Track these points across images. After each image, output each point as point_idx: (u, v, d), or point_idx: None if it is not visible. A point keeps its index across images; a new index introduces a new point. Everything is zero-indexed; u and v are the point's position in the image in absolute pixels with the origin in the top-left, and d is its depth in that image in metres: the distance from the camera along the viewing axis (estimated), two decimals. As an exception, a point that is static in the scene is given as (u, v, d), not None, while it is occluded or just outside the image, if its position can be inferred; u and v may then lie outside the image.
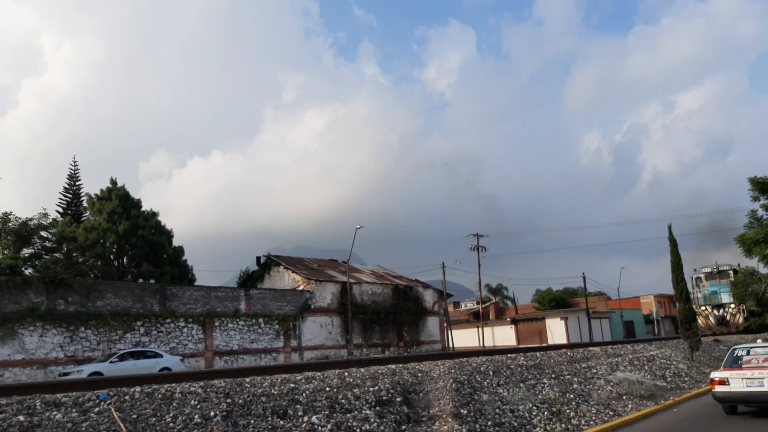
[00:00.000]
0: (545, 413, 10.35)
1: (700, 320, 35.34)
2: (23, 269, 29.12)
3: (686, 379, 16.36)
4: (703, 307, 38.39)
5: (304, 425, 7.39)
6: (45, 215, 33.39)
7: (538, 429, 9.56)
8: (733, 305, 37.26)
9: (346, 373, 9.79)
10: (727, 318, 37.64)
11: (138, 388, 7.47)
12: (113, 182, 35.71)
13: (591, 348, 18.02)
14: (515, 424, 9.47)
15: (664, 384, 15.14)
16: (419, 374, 10.59)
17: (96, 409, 6.61)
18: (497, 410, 9.81)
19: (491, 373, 11.90)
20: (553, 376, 12.93)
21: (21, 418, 6.01)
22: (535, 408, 10.49)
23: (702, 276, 41.03)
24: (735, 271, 38.33)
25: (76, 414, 6.42)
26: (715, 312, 38.31)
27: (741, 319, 36.51)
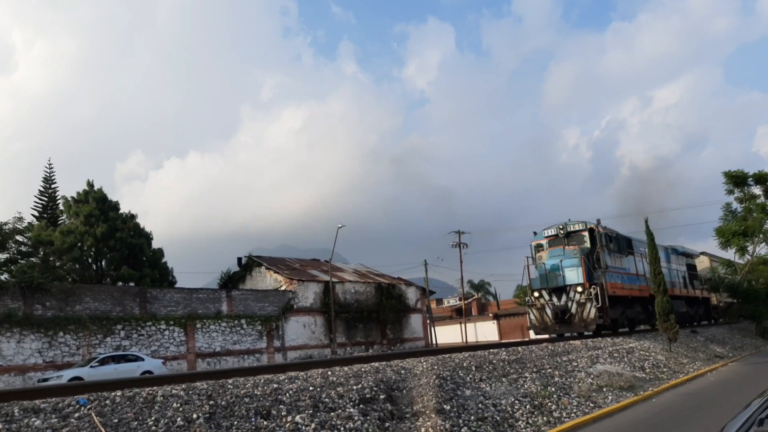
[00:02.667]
0: (527, 407, 10.49)
1: (532, 315, 21.56)
2: (-2, 275, 28.50)
3: (664, 370, 16.70)
4: (536, 294, 21.74)
5: (287, 425, 7.39)
6: (20, 219, 32.75)
7: (520, 422, 9.69)
8: (580, 288, 20.57)
9: (329, 372, 9.80)
10: (572, 310, 20.64)
11: (119, 392, 7.39)
12: (90, 184, 35.16)
13: (572, 341, 18.27)
14: (498, 418, 9.59)
15: (643, 375, 15.43)
16: (403, 371, 10.65)
17: (76, 415, 6.54)
18: (480, 405, 9.91)
19: (474, 368, 12.01)
20: (534, 370, 13.10)
21: (-1, 425, 5.93)
22: (517, 402, 10.63)
23: (544, 242, 23.46)
24: (591, 231, 22.44)
25: (55, 420, 6.34)
26: (555, 300, 21.26)
27: (593, 312, 20.11)
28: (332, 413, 8.01)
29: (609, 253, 22.49)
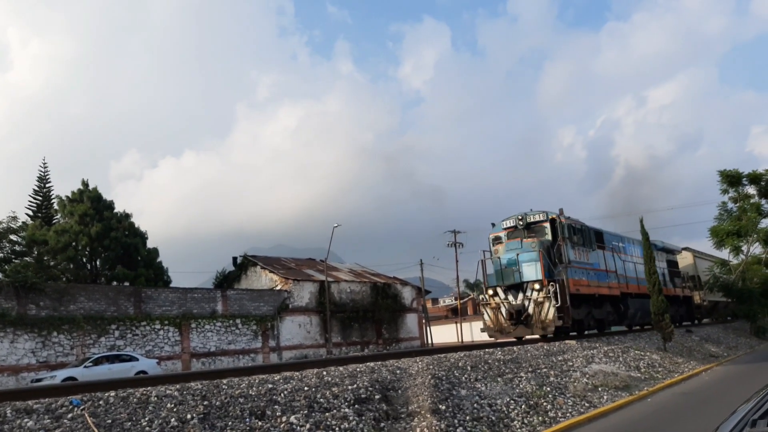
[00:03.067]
0: (523, 406, 10.49)
1: (486, 316, 19.27)
2: (-8, 274, 28.35)
3: (659, 369, 16.74)
4: (490, 292, 19.44)
5: (282, 425, 7.36)
6: (14, 218, 32.60)
7: (515, 422, 9.69)
8: (538, 285, 18.18)
9: (324, 372, 9.77)
10: (529, 310, 18.28)
11: (113, 393, 7.35)
12: (85, 184, 35.01)
13: (567, 341, 18.30)
14: (493, 418, 9.58)
15: (638, 375, 15.47)
16: (398, 371, 10.63)
17: (69, 415, 6.49)
18: (475, 405, 9.91)
19: (469, 368, 12.01)
20: (530, 369, 13.11)
21: (-10, 426, 5.88)
22: (512, 402, 10.63)
23: (502, 235, 20.98)
24: (552, 222, 20.08)
25: (48, 420, 6.30)
26: (511, 299, 18.86)
27: (551, 313, 17.78)
28: (327, 413, 7.99)
29: (573, 246, 20.06)
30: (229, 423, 7.12)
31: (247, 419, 7.31)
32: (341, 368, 10.26)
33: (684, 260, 35.40)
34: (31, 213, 38.65)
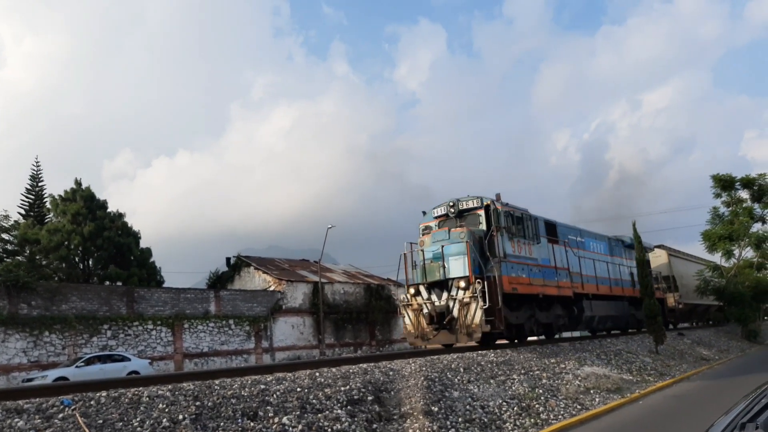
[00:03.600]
0: (515, 408, 10.53)
1: (407, 319, 16.37)
2: (-17, 273, 28.15)
3: (651, 372, 16.83)
4: (411, 291, 16.49)
5: (274, 426, 7.35)
6: (6, 217, 32.39)
7: (508, 424, 9.72)
8: (463, 282, 15.30)
9: (317, 373, 9.77)
10: (454, 312, 15.38)
11: (104, 393, 7.32)
12: (78, 183, 34.83)
13: (560, 343, 18.36)
14: (485, 419, 9.61)
15: (630, 377, 15.55)
16: (391, 373, 10.64)
17: (60, 415, 6.46)
18: (468, 407, 9.93)
19: (462, 370, 12.03)
20: (522, 371, 13.15)
21: (-20, 426, 5.84)
22: (505, 404, 10.66)
23: (433, 224, 18.08)
24: (487, 209, 17.11)
25: (39, 420, 6.27)
26: (435, 299, 15.98)
27: (478, 316, 14.88)
28: (320, 414, 7.99)
29: (511, 237, 16.92)
30: (222, 424, 7.11)
31: (240, 420, 7.30)
32: (334, 369, 10.25)
33: (657, 259, 32.61)
34: (23, 212, 38.42)
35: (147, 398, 7.30)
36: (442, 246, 16.03)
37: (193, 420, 6.97)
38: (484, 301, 14.65)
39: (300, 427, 7.46)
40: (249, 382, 8.60)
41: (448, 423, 8.96)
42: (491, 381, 11.81)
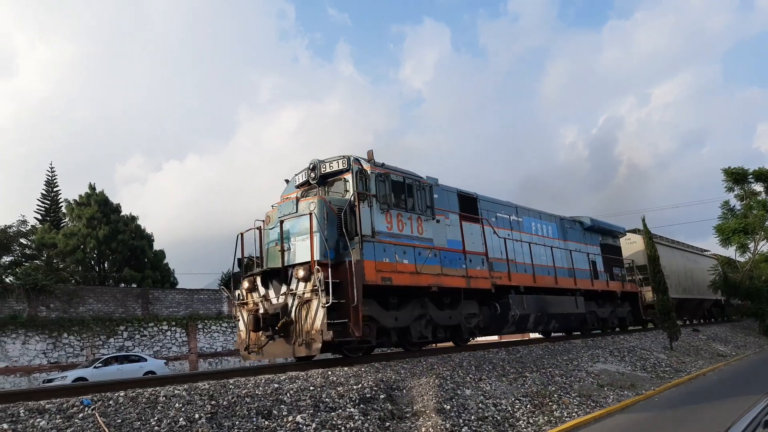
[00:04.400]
0: (528, 406, 10.55)
1: (240, 324, 12.45)
2: (4, 277, 28.72)
3: (666, 369, 16.74)
4: (246, 285, 12.39)
5: (288, 425, 7.47)
6: (24, 222, 33.00)
7: (521, 422, 9.75)
8: (302, 271, 11.01)
9: (329, 372, 9.88)
10: (292, 314, 11.06)
11: (122, 393, 7.48)
12: (92, 187, 35.34)
13: (573, 340, 18.32)
14: (498, 417, 9.65)
15: (645, 374, 15.48)
16: (402, 371, 10.72)
17: (80, 415, 6.62)
18: (480, 404, 9.98)
19: (474, 368, 12.08)
20: (534, 369, 13.16)
21: (5, 425, 6.02)
22: (518, 401, 10.69)
23: (294, 196, 13.06)
24: (358, 173, 12.39)
25: (60, 420, 6.43)
26: (272, 294, 11.78)
27: (319, 319, 10.66)
28: (333, 413, 8.09)
29: (385, 209, 12.56)
30: (237, 422, 7.23)
31: (254, 418, 7.43)
32: (346, 368, 10.35)
33: (631, 246, 27.24)
34: (39, 217, 39.04)
35: (164, 398, 7.45)
36: (281, 222, 12.00)
37: (209, 419, 7.10)
38: (327, 297, 10.41)
39: (314, 425, 7.57)
40: (263, 381, 8.73)
41: (461, 421, 9.02)
42: (503, 379, 11.85)
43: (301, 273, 11.11)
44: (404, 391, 9.67)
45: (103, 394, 7.35)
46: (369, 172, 12.59)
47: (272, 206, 13.24)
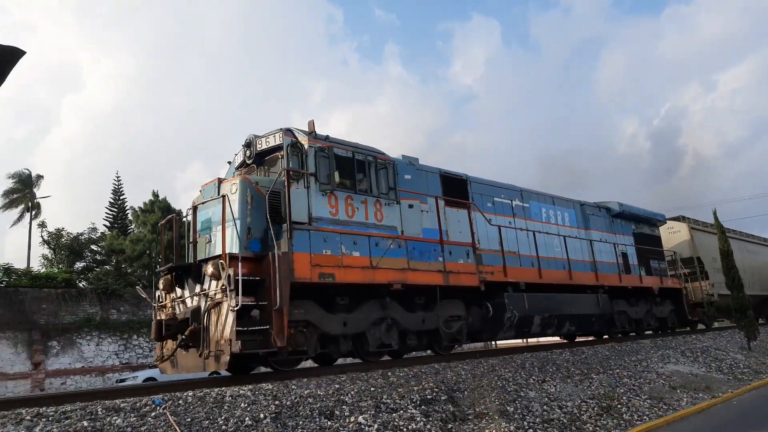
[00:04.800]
0: (595, 408, 10.17)
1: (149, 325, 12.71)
2: (77, 282, 30.44)
3: (745, 370, 15.76)
4: (162, 283, 10.35)
5: (351, 425, 7.48)
6: (94, 230, 34.97)
7: (588, 425, 9.42)
8: (211, 267, 9.17)
9: (389, 373, 9.85)
10: (204, 320, 9.14)
11: (190, 392, 7.71)
12: (155, 195, 36.98)
13: (641, 340, 17.55)
14: (564, 420, 9.35)
15: (721, 376, 14.63)
16: (463, 372, 10.57)
17: (153, 414, 6.86)
18: (545, 407, 9.70)
19: (536, 369, 11.77)
20: (600, 370, 12.68)
21: (85, 423, 6.30)
22: (584, 404, 10.33)
23: (235, 183, 10.15)
24: (295, 147, 10.40)
25: (134, 419, 6.68)
26: (188, 295, 9.87)
27: (228, 327, 8.81)
28: (394, 414, 8.05)
29: (328, 191, 10.48)
30: (300, 422, 7.31)
31: (317, 419, 7.48)
32: (405, 369, 10.30)
33: (673, 236, 23.90)
34: (108, 224, 41.18)
35: (230, 397, 7.62)
36: (194, 209, 10.51)
37: (273, 418, 7.21)
38: (237, 298, 8.63)
39: (376, 426, 7.55)
40: (324, 381, 8.80)
41: (525, 423, 8.78)
42: (568, 380, 11.48)
43: (210, 269, 9.27)
44: (465, 392, 9.52)
45: (172, 394, 7.59)
46: (307, 146, 10.47)
47: (200, 191, 11.00)
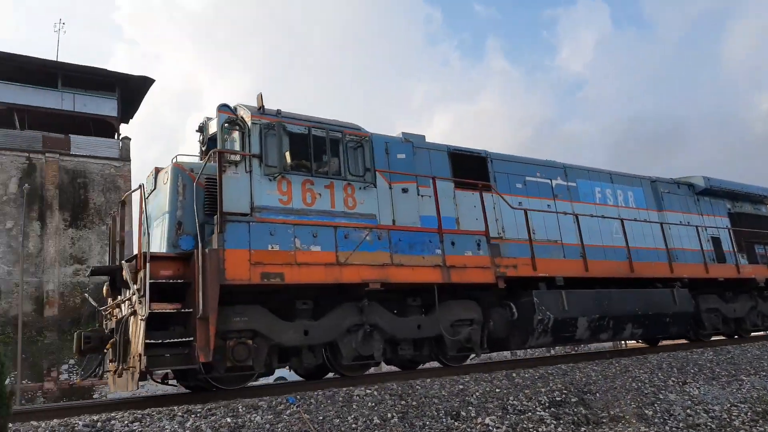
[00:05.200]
0: (748, 414, 9.19)
1: None
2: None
3: None
4: (107, 288, 9.30)
5: (478, 426, 7.41)
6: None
7: (741, 431, 8.54)
8: (128, 270, 7.98)
9: (514, 374, 9.63)
10: (128, 331, 7.87)
11: (320, 392, 8.07)
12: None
13: (798, 338, 15.58)
14: (713, 426, 8.55)
15: None
16: (593, 373, 10.06)
17: (287, 412, 7.28)
18: (688, 410, 8.94)
19: (675, 370, 10.90)
20: (752, 371, 11.44)
21: (228, 419, 6.84)
22: (734, 408, 9.38)
23: (167, 172, 9.06)
24: (232, 123, 8.86)
25: (271, 416, 7.13)
26: (121, 301, 8.73)
27: (140, 339, 7.35)
28: (522, 416, 7.85)
29: (276, 173, 8.91)
30: (427, 422, 7.37)
31: (444, 419, 7.50)
32: (531, 370, 10.01)
33: None
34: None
35: (357, 397, 7.88)
36: (122, 204, 9.93)
37: (400, 418, 7.34)
38: (143, 308, 7.50)
39: (504, 428, 7.41)
40: (448, 382, 8.80)
41: (667, 428, 8.16)
42: (713, 382, 10.49)
43: (127, 272, 8.06)
44: (597, 394, 9.05)
45: (304, 393, 8.00)
46: (250, 123, 8.94)
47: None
